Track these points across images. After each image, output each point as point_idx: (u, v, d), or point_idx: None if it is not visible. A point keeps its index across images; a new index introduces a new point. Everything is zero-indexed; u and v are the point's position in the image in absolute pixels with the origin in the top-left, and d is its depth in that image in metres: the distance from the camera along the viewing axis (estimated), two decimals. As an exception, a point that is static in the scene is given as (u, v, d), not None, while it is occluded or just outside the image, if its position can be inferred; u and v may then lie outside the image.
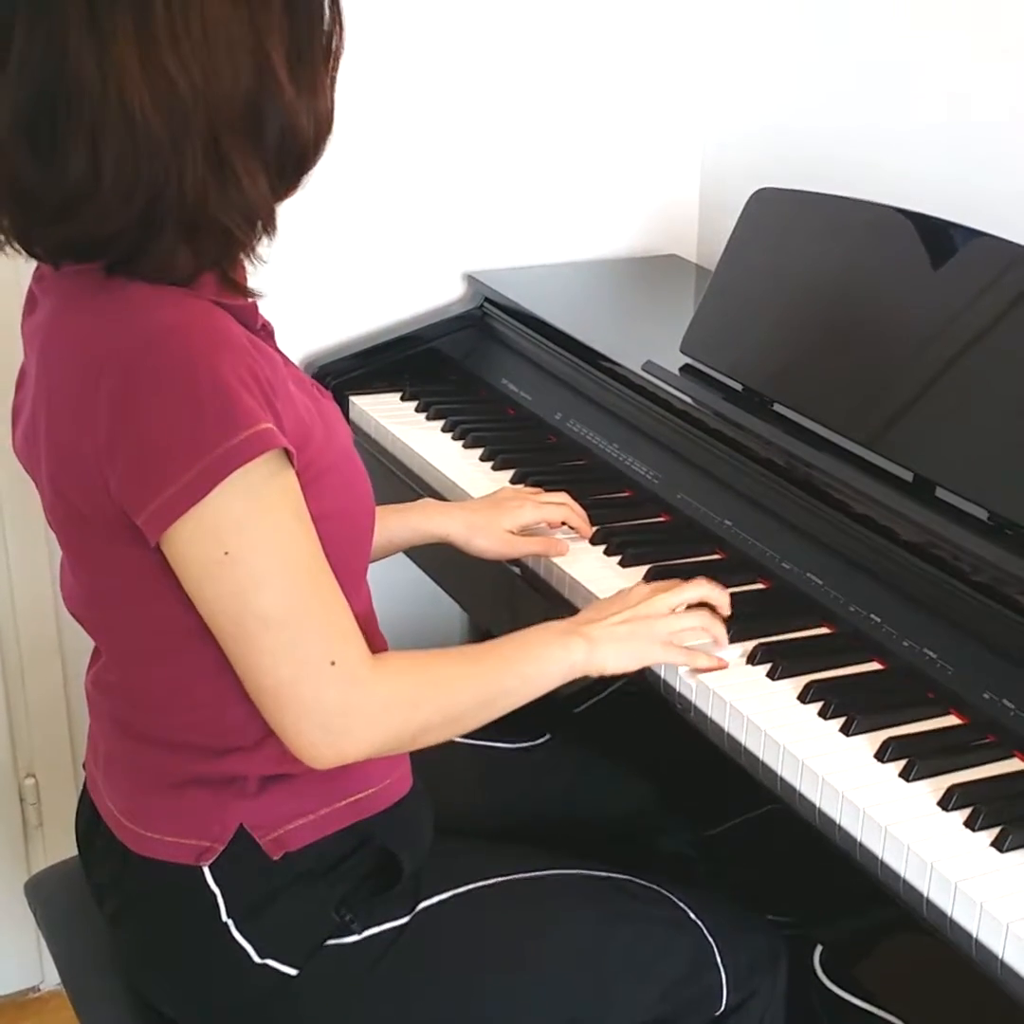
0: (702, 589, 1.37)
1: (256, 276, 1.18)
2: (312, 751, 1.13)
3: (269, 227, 1.12)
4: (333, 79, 1.14)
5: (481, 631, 2.18)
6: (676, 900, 1.40)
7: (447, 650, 1.27)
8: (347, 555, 1.18)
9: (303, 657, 1.11)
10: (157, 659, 1.19)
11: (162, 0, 1.01)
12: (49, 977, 2.25)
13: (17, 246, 1.12)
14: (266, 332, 1.21)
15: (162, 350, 1.05)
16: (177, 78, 1.02)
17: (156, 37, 1.01)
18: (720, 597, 1.38)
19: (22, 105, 1.03)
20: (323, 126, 1.12)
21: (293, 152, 1.10)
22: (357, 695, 1.14)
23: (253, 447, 1.05)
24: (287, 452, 1.09)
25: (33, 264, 1.19)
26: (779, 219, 1.73)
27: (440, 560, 1.74)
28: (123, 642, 1.22)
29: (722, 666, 1.34)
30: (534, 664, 1.26)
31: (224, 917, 1.22)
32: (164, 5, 1.01)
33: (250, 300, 1.16)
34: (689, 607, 1.37)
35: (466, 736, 1.54)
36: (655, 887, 1.40)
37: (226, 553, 1.07)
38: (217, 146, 1.05)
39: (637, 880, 1.40)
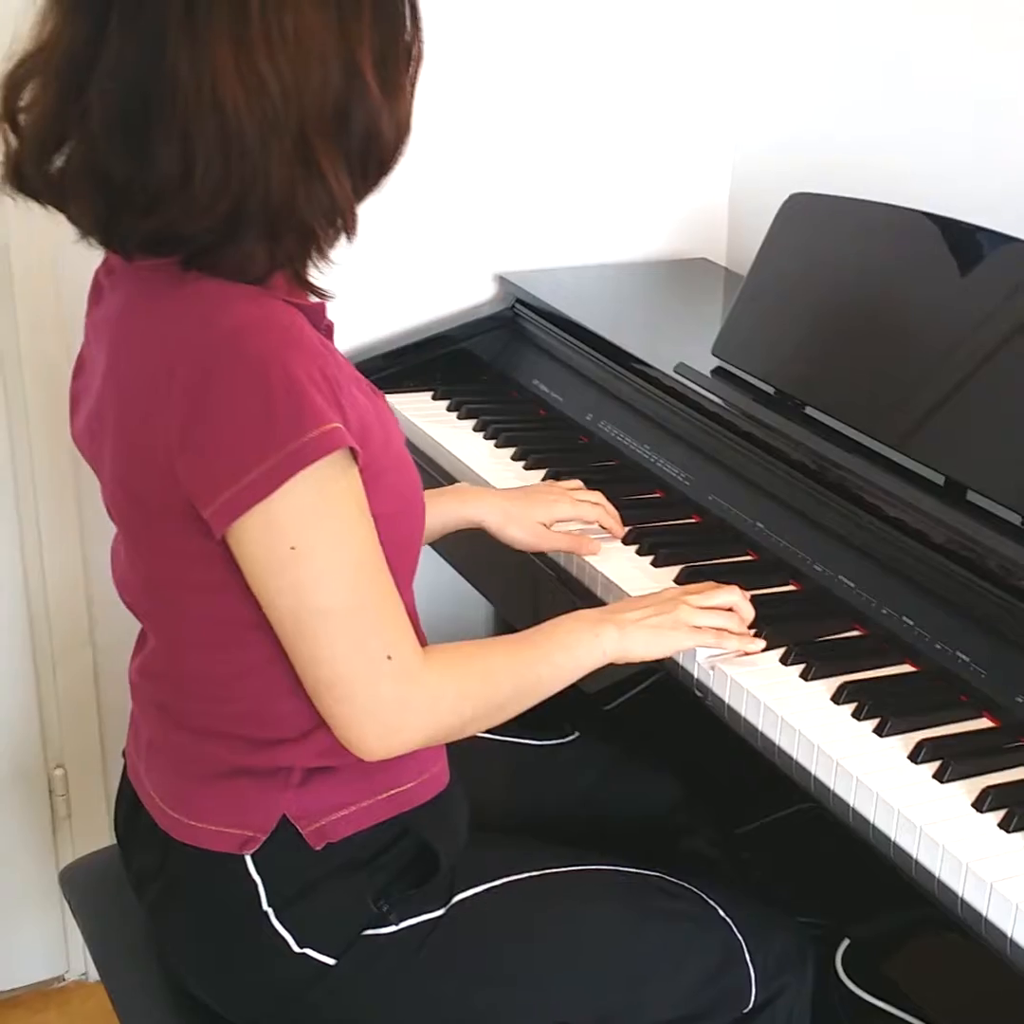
0: (733, 596, 1.38)
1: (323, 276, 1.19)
2: (364, 744, 1.16)
3: (350, 228, 1.14)
4: (413, 84, 1.16)
5: (509, 630, 2.19)
6: (705, 897, 1.41)
7: (486, 641, 1.29)
8: (397, 556, 1.19)
9: (361, 652, 1.13)
10: (211, 649, 1.21)
11: (257, 5, 1.03)
12: (74, 967, 2.27)
13: (96, 239, 1.14)
14: (329, 331, 1.23)
15: (238, 346, 1.07)
16: (269, 79, 1.04)
17: (251, 40, 1.03)
18: (747, 609, 1.39)
19: (116, 101, 1.05)
20: (403, 129, 1.15)
21: (376, 154, 1.13)
22: (410, 689, 1.16)
23: (323, 445, 1.07)
24: (352, 451, 1.11)
25: (75, 263, 1.21)
26: (812, 223, 1.74)
27: (470, 555, 1.76)
28: (178, 631, 1.24)
29: (754, 646, 1.36)
30: (567, 653, 1.29)
31: (264, 906, 1.23)
32: (259, 10, 1.03)
33: (320, 300, 1.19)
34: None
35: (496, 733, 1.57)
36: (684, 884, 1.41)
37: (292, 548, 1.09)
38: (305, 146, 1.07)
39: (667, 877, 1.41)
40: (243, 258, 1.10)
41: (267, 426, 1.06)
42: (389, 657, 1.14)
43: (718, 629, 1.35)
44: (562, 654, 1.28)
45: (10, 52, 1.11)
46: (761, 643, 1.37)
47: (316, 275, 1.17)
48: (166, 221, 1.08)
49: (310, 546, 1.09)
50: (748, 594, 1.40)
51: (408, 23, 1.14)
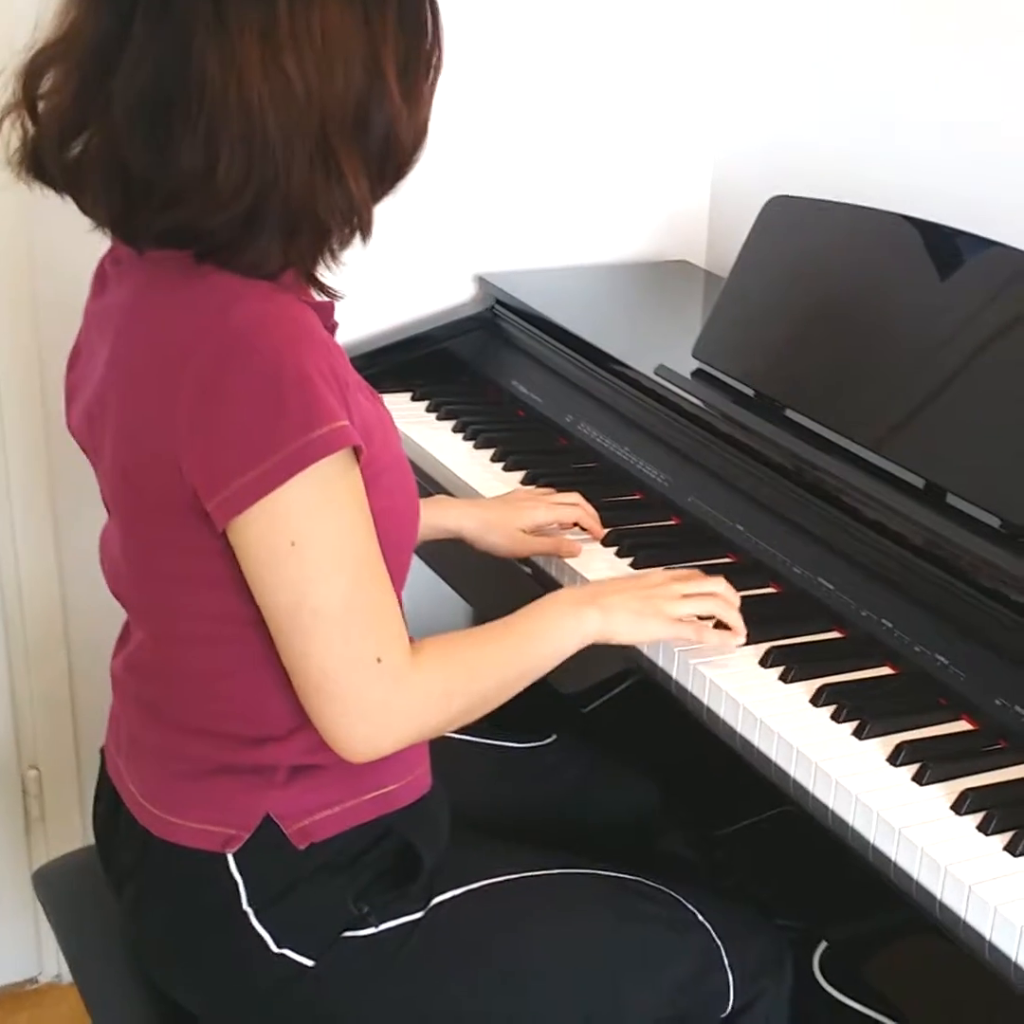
0: (719, 585, 1.38)
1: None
2: (350, 744, 1.16)
3: (365, 228, 1.15)
4: (432, 91, 1.18)
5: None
6: (683, 901, 1.41)
7: (470, 633, 1.30)
8: (392, 557, 1.19)
9: (352, 652, 1.13)
10: (200, 644, 1.21)
11: (285, 5, 1.05)
12: (47, 969, 2.26)
13: (110, 229, 1.15)
14: (333, 331, 1.23)
15: (251, 340, 1.07)
16: (295, 79, 1.05)
17: (279, 39, 1.05)
18: (732, 598, 1.39)
19: (141, 94, 1.06)
20: (421, 134, 1.17)
21: (394, 157, 1.14)
22: (398, 692, 1.16)
23: (331, 443, 1.07)
24: (356, 450, 1.11)
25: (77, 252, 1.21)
26: (793, 226, 1.75)
27: (450, 558, 1.75)
28: (168, 625, 1.23)
29: (736, 638, 1.36)
30: (550, 641, 1.29)
31: (244, 905, 1.23)
32: (287, 10, 1.05)
33: (330, 299, 1.20)
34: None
35: (475, 735, 1.57)
36: (663, 888, 1.41)
37: (293, 543, 1.09)
38: (326, 147, 1.08)
39: (645, 880, 1.41)
40: (258, 254, 1.10)
41: (277, 420, 1.06)
42: (379, 659, 1.14)
43: (699, 625, 1.35)
44: (546, 641, 1.29)
45: (32, 41, 1.12)
46: (740, 639, 1.37)
47: (326, 274, 1.18)
48: (185, 215, 1.08)
49: (310, 542, 1.10)
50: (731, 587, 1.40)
51: (430, 32, 1.16)
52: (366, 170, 1.12)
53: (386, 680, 1.15)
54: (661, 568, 1.44)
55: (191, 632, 1.21)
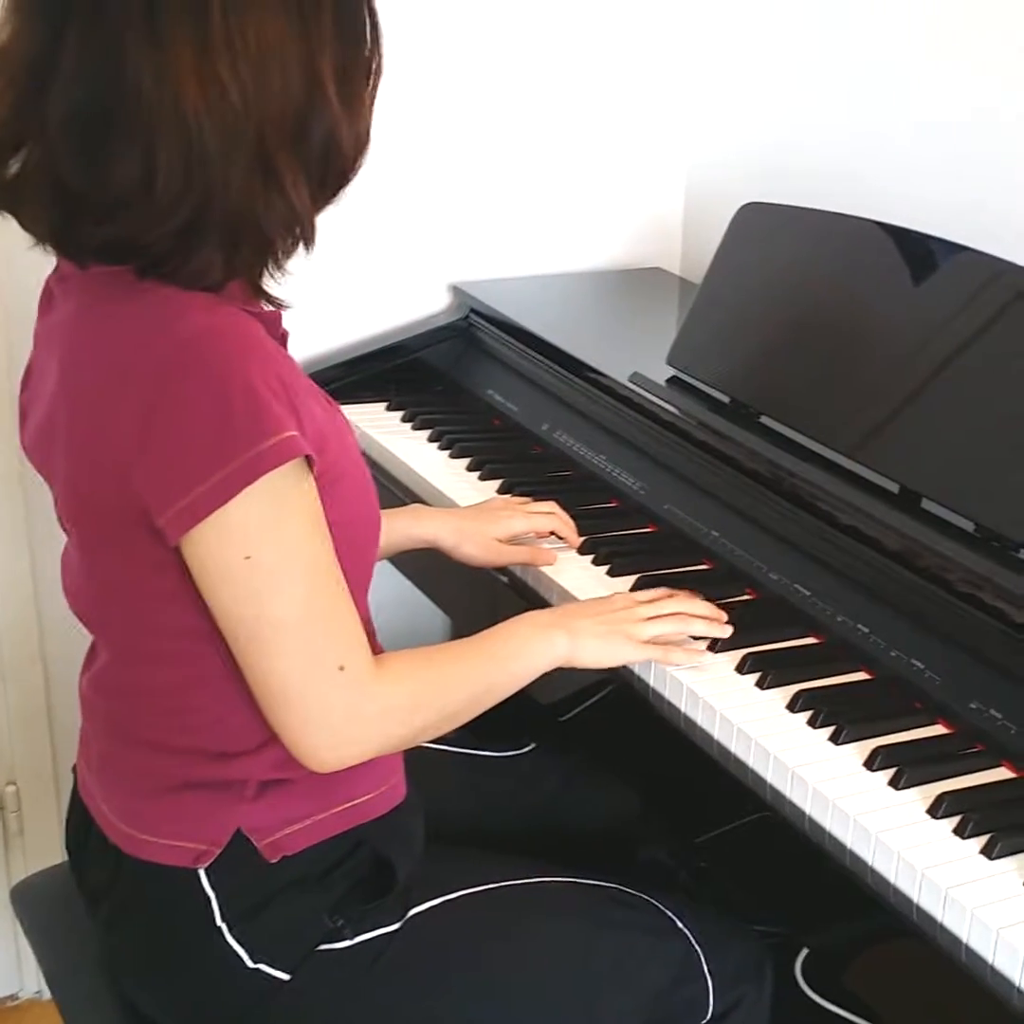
0: (684, 604, 1.40)
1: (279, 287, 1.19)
2: (316, 755, 1.15)
3: (308, 238, 1.14)
4: (373, 98, 1.17)
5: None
6: (662, 908, 1.41)
7: (439, 649, 1.29)
8: (353, 564, 1.19)
9: (313, 662, 1.12)
10: (164, 661, 1.20)
11: (219, 11, 1.03)
12: (27, 985, 2.25)
13: (50, 245, 1.13)
14: (283, 340, 1.23)
15: (195, 354, 1.06)
16: (230, 87, 1.04)
17: (212, 47, 1.03)
18: (696, 609, 1.40)
19: (75, 108, 1.04)
20: (362, 142, 1.16)
21: (335, 165, 1.13)
22: (362, 700, 1.16)
23: (281, 453, 1.06)
24: (308, 459, 1.10)
25: (45, 268, 1.20)
26: (765, 232, 1.75)
27: (426, 567, 1.75)
28: (130, 643, 1.23)
29: (699, 653, 1.37)
30: (519, 661, 1.29)
31: (218, 921, 1.22)
32: (221, 16, 1.03)
33: (276, 309, 1.19)
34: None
35: (453, 745, 1.57)
36: (641, 895, 1.41)
37: (247, 557, 1.08)
38: (265, 155, 1.07)
39: (623, 888, 1.41)
40: (200, 266, 1.09)
41: (224, 434, 1.05)
42: (342, 667, 1.14)
43: (666, 646, 1.36)
44: (515, 661, 1.29)
45: None
46: (704, 651, 1.38)
47: (273, 284, 1.17)
48: (124, 229, 1.07)
49: (265, 555, 1.09)
50: (699, 598, 1.41)
51: (368, 39, 1.14)
52: (307, 179, 1.11)
53: (349, 688, 1.14)
54: (625, 592, 1.45)
55: (152, 649, 1.20)
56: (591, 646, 1.32)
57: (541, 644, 1.30)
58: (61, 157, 1.06)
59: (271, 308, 1.19)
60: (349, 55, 1.12)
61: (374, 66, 1.16)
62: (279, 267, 1.15)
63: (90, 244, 1.11)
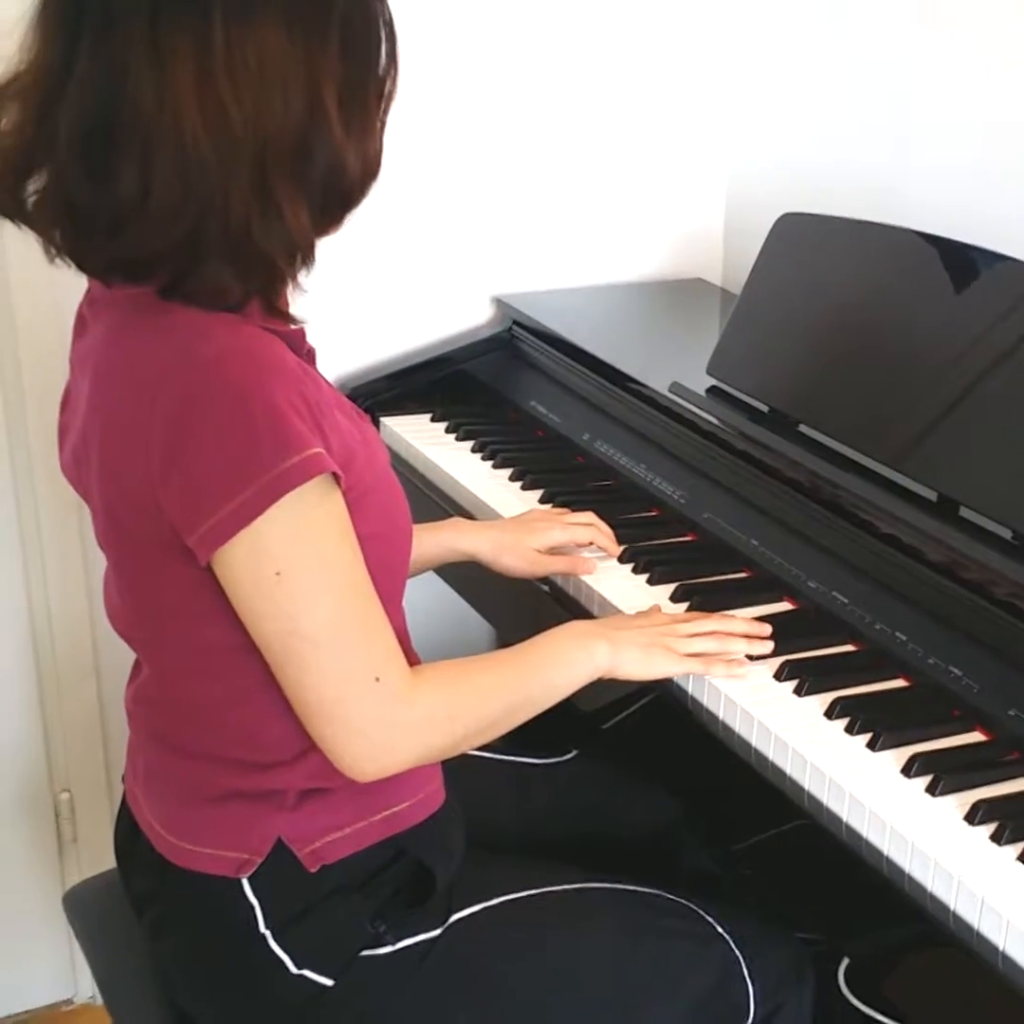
0: (721, 623, 1.40)
1: (294, 302, 1.20)
2: (356, 765, 1.17)
3: (308, 260, 1.14)
4: (384, 122, 1.16)
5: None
6: (704, 914, 1.41)
7: (477, 659, 1.30)
8: (385, 576, 1.20)
9: (348, 674, 1.14)
10: (202, 676, 1.22)
11: (221, 31, 1.04)
12: (82, 990, 2.28)
13: (69, 260, 1.15)
14: (310, 357, 1.24)
15: (217, 374, 1.08)
16: (230, 107, 1.04)
17: (213, 67, 1.04)
18: (734, 627, 1.40)
19: (80, 123, 1.06)
20: (371, 167, 1.15)
21: (338, 190, 1.13)
22: (400, 710, 1.17)
23: (305, 470, 1.08)
24: (335, 475, 1.12)
25: (75, 292, 1.22)
26: (803, 243, 1.75)
27: (469, 578, 1.76)
28: (169, 659, 1.25)
29: (740, 664, 1.37)
30: (559, 670, 1.30)
31: (262, 928, 1.24)
32: (223, 36, 1.04)
33: (296, 326, 1.19)
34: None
35: (494, 751, 1.58)
36: (683, 901, 1.42)
37: (277, 573, 1.10)
38: (263, 177, 1.07)
39: (665, 895, 1.42)
40: (212, 286, 1.10)
41: (249, 453, 1.07)
42: (377, 679, 1.15)
43: (707, 658, 1.36)
44: (555, 670, 1.30)
45: None
46: (745, 661, 1.38)
47: (296, 299, 1.18)
48: (127, 245, 1.08)
49: (295, 570, 1.10)
50: (738, 615, 1.43)
51: (381, 61, 1.14)
52: (307, 202, 1.10)
53: (386, 698, 1.16)
54: (666, 605, 1.46)
55: (190, 665, 1.22)
56: (632, 658, 1.33)
57: (581, 654, 1.31)
58: (69, 176, 1.08)
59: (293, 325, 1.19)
60: (356, 77, 1.11)
61: (387, 89, 1.15)
62: (288, 286, 1.16)
63: (100, 260, 1.13)
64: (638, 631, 1.36)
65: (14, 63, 1.11)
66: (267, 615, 1.12)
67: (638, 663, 1.34)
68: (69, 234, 1.12)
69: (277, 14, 1.06)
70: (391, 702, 1.16)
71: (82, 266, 1.15)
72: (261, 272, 1.11)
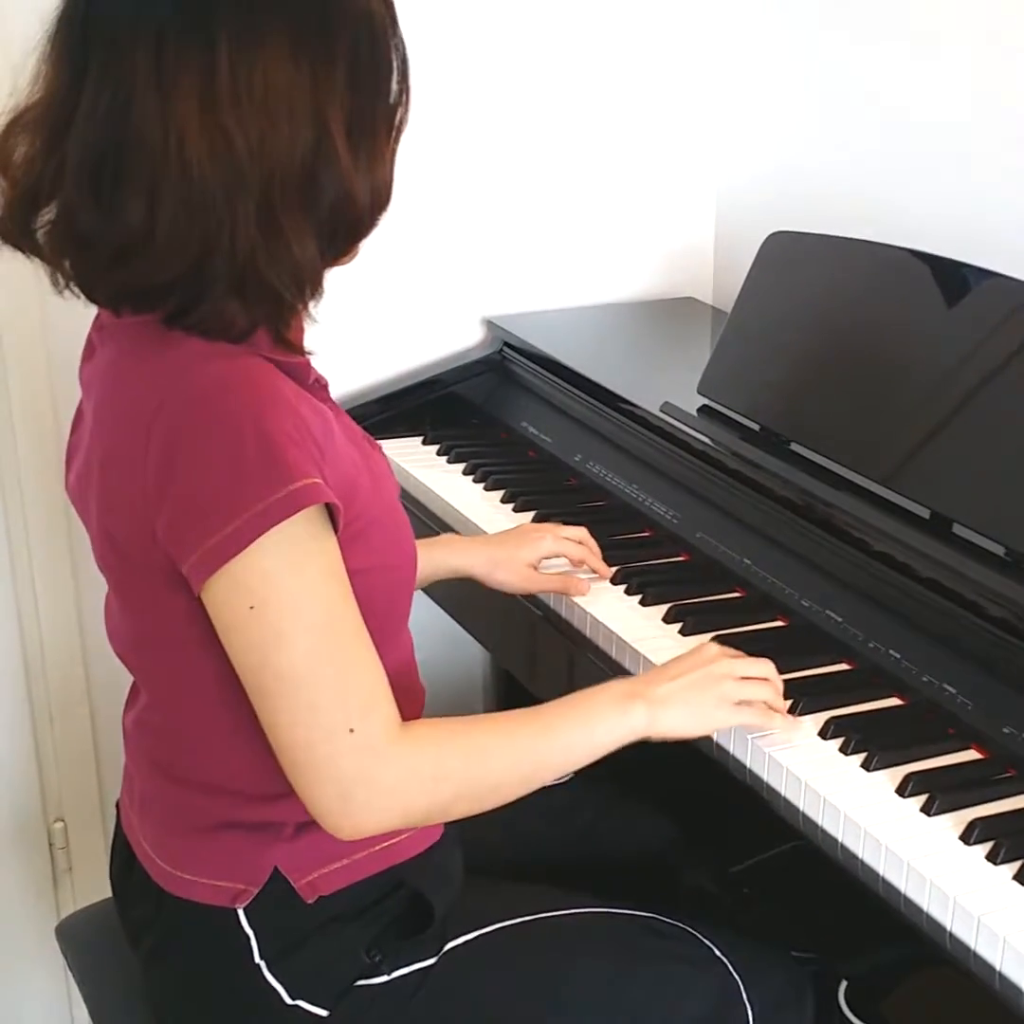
0: (770, 669, 1.31)
1: (307, 331, 1.20)
2: (329, 818, 1.12)
3: (315, 290, 1.13)
4: (395, 151, 1.15)
5: (503, 672, 2.19)
6: (701, 937, 1.40)
7: (488, 717, 1.23)
8: (389, 606, 1.19)
9: (318, 721, 1.09)
10: (202, 705, 1.20)
11: (226, 60, 1.03)
12: (78, 1020, 2.26)
13: (77, 290, 1.15)
14: (319, 386, 1.22)
15: (209, 403, 1.07)
16: (235, 136, 1.04)
17: (218, 96, 1.03)
18: (779, 682, 1.32)
19: (87, 154, 1.06)
20: (381, 197, 1.14)
21: (347, 220, 1.11)
22: (376, 766, 1.11)
23: (294, 503, 1.06)
24: (330, 508, 1.10)
25: (64, 317, 1.22)
26: (793, 261, 1.76)
27: (461, 600, 1.76)
28: (168, 686, 1.24)
29: (797, 722, 1.32)
30: (580, 732, 1.21)
31: (257, 959, 1.23)
32: (228, 66, 1.03)
33: (301, 357, 1.17)
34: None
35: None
36: (680, 925, 1.41)
37: (251, 607, 1.07)
38: (270, 206, 1.06)
39: (662, 918, 1.41)
40: (217, 316, 1.09)
41: (238, 483, 1.05)
42: (352, 730, 1.09)
43: (765, 710, 1.28)
44: (576, 733, 1.21)
45: (5, 106, 1.12)
46: (803, 722, 1.32)
47: (308, 328, 1.17)
48: (134, 274, 1.08)
49: (268, 606, 1.07)
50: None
51: (390, 91, 1.13)
52: (315, 232, 1.09)
53: (361, 752, 1.09)
54: (711, 641, 1.34)
55: (190, 693, 1.20)
56: (676, 716, 1.24)
57: (612, 714, 1.22)
58: (76, 204, 1.07)
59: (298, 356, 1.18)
60: (364, 106, 1.10)
61: (397, 120, 1.14)
62: (297, 316, 1.15)
63: (107, 289, 1.13)
64: (684, 680, 1.25)
65: (26, 95, 1.11)
66: (241, 649, 1.09)
67: (685, 719, 1.25)
68: (77, 264, 1.12)
69: (284, 43, 1.05)
70: (366, 756, 1.10)
71: (91, 296, 1.15)
72: (267, 303, 1.10)
